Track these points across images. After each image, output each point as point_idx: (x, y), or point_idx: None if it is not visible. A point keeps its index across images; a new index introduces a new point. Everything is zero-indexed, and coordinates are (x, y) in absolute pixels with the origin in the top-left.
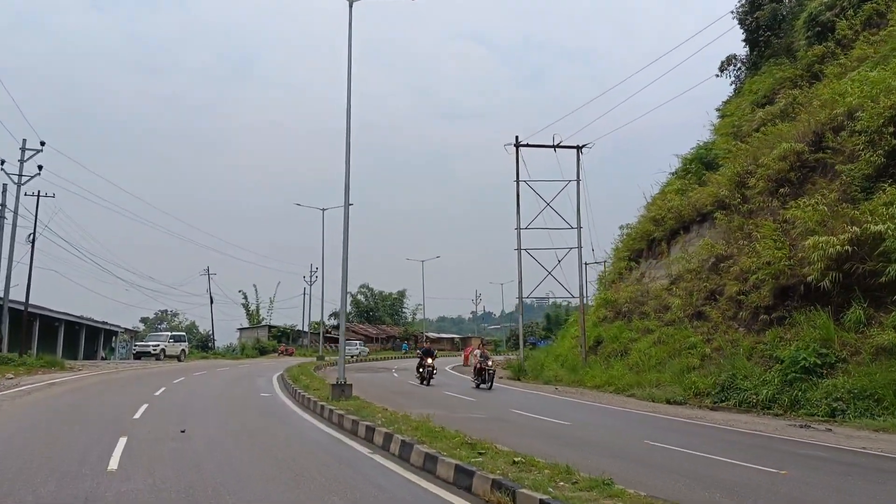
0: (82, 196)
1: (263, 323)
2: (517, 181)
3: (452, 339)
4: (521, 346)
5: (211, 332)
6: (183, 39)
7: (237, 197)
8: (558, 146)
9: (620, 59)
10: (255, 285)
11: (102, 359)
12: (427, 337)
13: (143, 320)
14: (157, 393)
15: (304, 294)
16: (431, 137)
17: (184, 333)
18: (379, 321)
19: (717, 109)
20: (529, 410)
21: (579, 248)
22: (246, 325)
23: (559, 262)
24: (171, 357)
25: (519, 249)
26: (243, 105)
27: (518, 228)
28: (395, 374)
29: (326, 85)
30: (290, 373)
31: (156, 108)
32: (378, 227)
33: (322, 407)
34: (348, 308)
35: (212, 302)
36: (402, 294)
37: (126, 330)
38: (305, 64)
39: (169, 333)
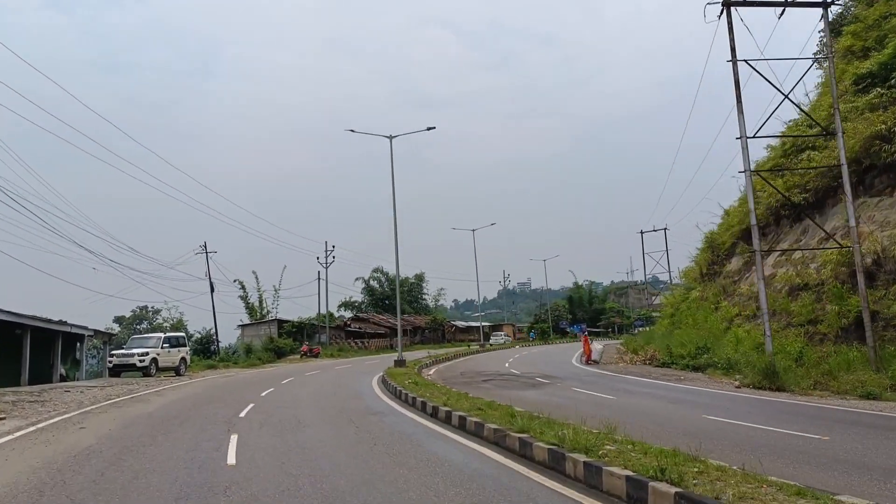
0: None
1: (270, 317)
2: (733, 60)
3: (481, 327)
4: (767, 334)
5: (214, 331)
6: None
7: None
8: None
9: (590, 42)
10: (254, 272)
11: (62, 378)
12: (456, 326)
13: (119, 320)
14: None
15: (319, 279)
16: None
17: (182, 334)
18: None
19: None
20: None
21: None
22: (246, 320)
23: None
24: (165, 370)
25: (747, 169)
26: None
27: (743, 137)
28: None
29: (294, 80)
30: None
31: (113, 105)
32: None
33: None
34: (359, 297)
35: (213, 290)
36: (420, 278)
37: (96, 333)
38: (271, 58)
39: (161, 335)
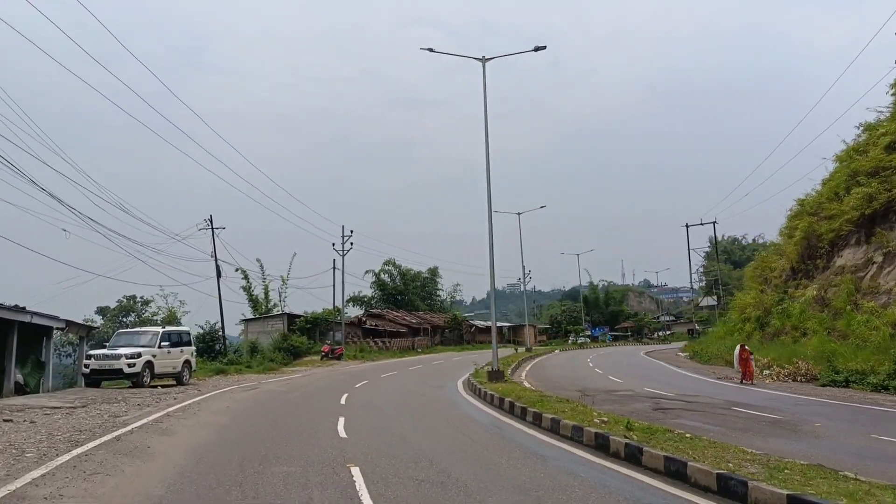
0: None
1: (277, 311)
2: None
3: (501, 328)
4: None
5: (220, 326)
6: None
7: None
8: None
9: (577, 44)
10: (259, 259)
11: (18, 388)
12: (476, 327)
13: (102, 311)
14: None
15: (334, 268)
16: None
17: (186, 329)
18: (410, 306)
19: None
20: None
21: None
22: (249, 314)
23: None
24: (164, 376)
25: None
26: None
27: None
28: None
29: (277, 72)
30: None
31: (101, 99)
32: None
33: None
34: (369, 291)
35: (219, 275)
36: (433, 272)
37: (70, 325)
38: (256, 52)
39: (159, 329)
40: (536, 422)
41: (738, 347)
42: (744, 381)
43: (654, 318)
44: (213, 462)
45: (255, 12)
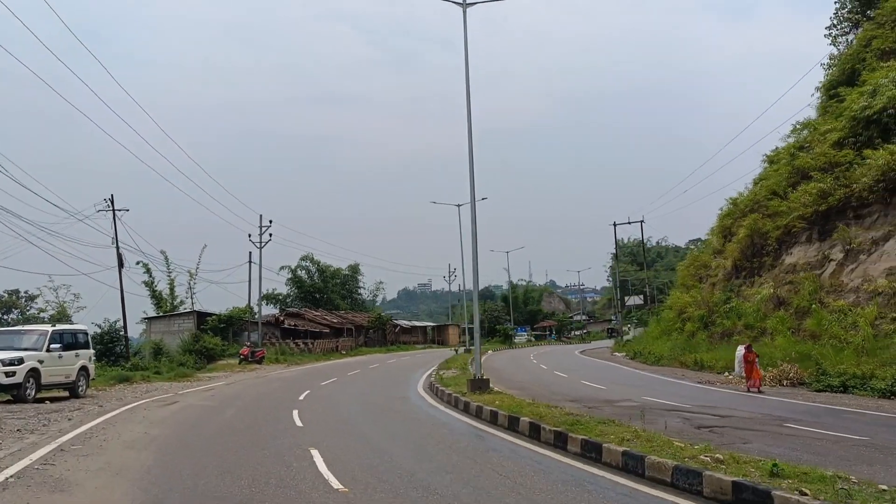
0: None
1: (183, 308)
2: None
3: (425, 328)
4: None
5: (122, 325)
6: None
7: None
8: None
9: (487, 50)
10: (163, 251)
11: None
12: (401, 327)
13: None
14: None
15: (250, 262)
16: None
17: (83, 328)
18: (330, 304)
19: None
20: None
21: None
22: (152, 312)
23: None
24: (54, 387)
25: None
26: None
27: None
28: None
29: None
30: None
31: None
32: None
33: None
34: (284, 289)
35: (121, 265)
36: (354, 269)
37: None
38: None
39: (47, 329)
40: (590, 454)
41: (741, 349)
42: (750, 389)
43: (569, 318)
44: None
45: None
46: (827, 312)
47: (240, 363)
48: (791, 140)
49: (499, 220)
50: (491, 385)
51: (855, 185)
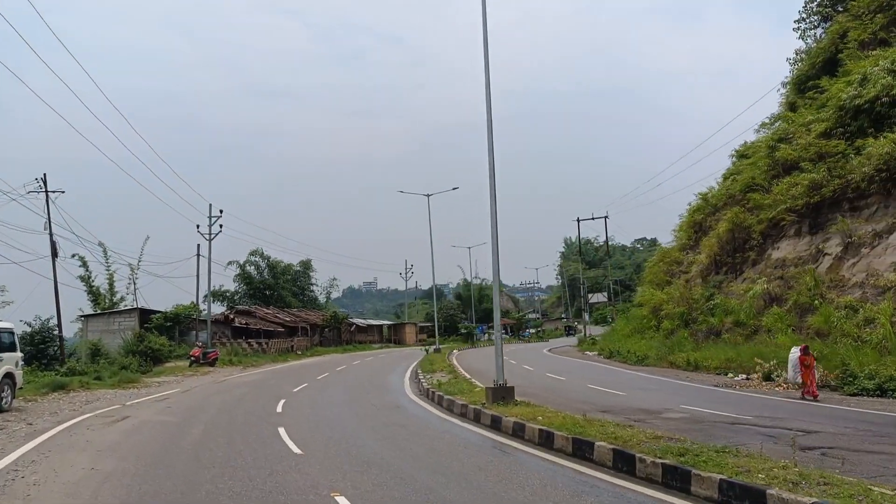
0: None
1: (125, 305)
2: None
3: (381, 327)
4: None
5: (56, 323)
6: None
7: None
8: None
9: (438, 46)
10: (101, 243)
11: None
12: (357, 326)
13: None
14: None
15: (198, 255)
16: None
17: (9, 326)
18: (281, 302)
19: None
20: None
21: None
22: (88, 309)
23: None
24: None
25: None
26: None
27: None
28: None
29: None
30: None
31: None
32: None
33: None
34: (233, 286)
35: (55, 254)
36: (306, 265)
37: None
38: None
39: None
40: (738, 501)
41: (796, 350)
42: (805, 396)
43: (524, 316)
44: None
45: None
46: (833, 309)
47: (190, 366)
48: (763, 134)
49: (452, 215)
50: (515, 395)
51: (852, 176)
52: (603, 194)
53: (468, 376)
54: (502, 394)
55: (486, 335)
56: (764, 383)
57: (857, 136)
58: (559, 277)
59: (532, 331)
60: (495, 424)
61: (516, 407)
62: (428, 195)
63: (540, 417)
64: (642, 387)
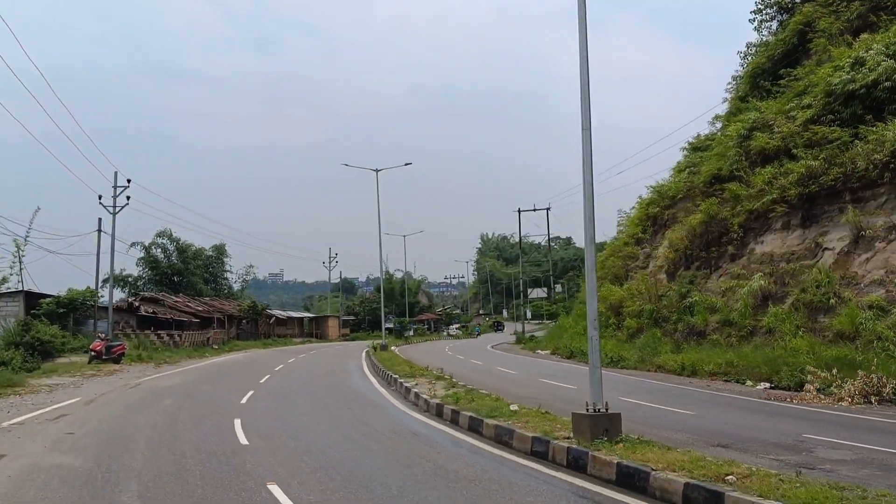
0: None
1: (7, 288)
2: None
3: (302, 319)
4: None
5: None
6: None
7: None
8: None
9: (355, 38)
10: None
11: None
12: (276, 318)
13: None
14: None
15: (99, 231)
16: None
17: None
18: (192, 289)
19: None
20: None
21: None
22: None
23: None
24: None
25: None
26: None
27: None
28: None
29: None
30: None
31: None
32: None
33: None
34: (136, 270)
35: None
36: (220, 250)
37: None
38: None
39: None
40: None
41: None
42: None
43: (448, 312)
44: None
45: None
46: (857, 309)
47: (90, 362)
48: (719, 126)
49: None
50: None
51: (855, 164)
52: (523, 194)
53: (471, 386)
54: (605, 425)
55: (412, 331)
56: (821, 397)
57: (850, 122)
58: (476, 273)
59: (455, 326)
60: (624, 480)
61: (637, 449)
62: (376, 170)
63: (688, 464)
64: (635, 389)
